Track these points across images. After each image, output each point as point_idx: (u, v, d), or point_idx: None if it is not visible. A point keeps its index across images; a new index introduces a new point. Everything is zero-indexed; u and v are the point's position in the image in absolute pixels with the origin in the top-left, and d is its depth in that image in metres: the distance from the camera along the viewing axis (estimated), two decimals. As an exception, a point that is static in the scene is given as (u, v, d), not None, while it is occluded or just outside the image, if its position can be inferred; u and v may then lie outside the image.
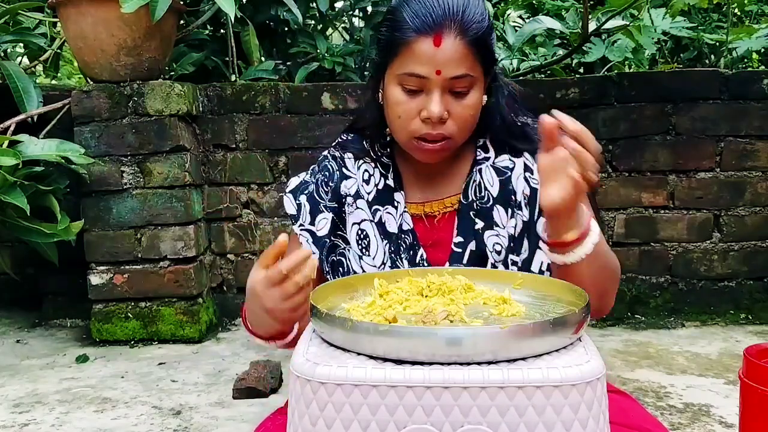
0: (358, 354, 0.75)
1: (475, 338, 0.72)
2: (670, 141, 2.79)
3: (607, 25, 2.90)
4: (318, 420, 0.72)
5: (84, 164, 2.47)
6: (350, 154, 1.21)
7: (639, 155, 2.78)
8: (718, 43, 3.33)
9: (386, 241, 1.15)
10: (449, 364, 0.72)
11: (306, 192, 1.20)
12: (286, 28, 3.30)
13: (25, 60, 3.34)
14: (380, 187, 1.17)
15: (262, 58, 3.25)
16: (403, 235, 1.15)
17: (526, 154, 1.16)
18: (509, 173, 1.15)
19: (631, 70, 3.39)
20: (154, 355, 2.55)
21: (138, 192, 2.63)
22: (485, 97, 1.12)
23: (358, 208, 1.17)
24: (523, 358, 0.73)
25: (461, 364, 0.72)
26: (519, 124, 1.17)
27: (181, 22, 2.87)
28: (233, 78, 3.04)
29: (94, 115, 2.58)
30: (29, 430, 1.95)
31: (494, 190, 1.14)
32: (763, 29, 3.11)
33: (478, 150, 1.17)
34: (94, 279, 2.64)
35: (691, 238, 2.84)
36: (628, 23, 2.91)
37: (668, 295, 2.85)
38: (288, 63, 3.18)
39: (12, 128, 2.52)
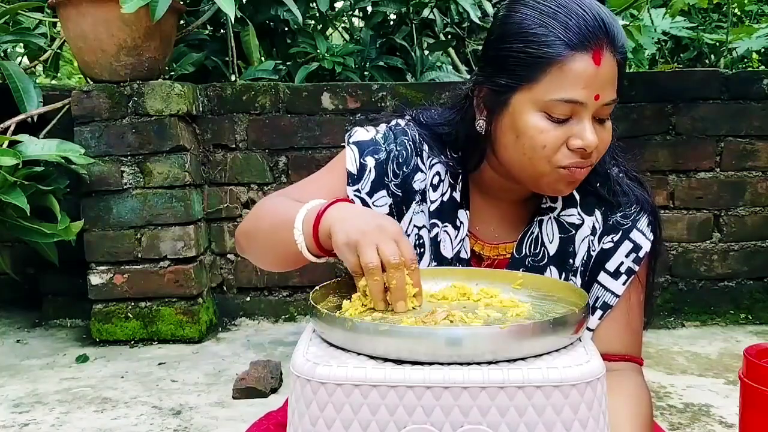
0: (358, 354, 0.75)
1: (475, 338, 0.72)
2: (670, 141, 2.79)
3: (607, 25, 2.90)
4: (318, 420, 0.72)
5: (84, 164, 2.47)
6: (426, 146, 1.04)
7: (639, 155, 2.78)
8: (718, 43, 3.33)
9: (436, 264, 1.03)
10: (449, 364, 0.72)
11: (376, 156, 1.03)
12: (286, 28, 3.30)
13: (25, 60, 3.34)
14: (445, 198, 1.03)
15: (262, 58, 3.25)
16: (458, 264, 1.03)
17: (597, 213, 1.02)
18: (573, 232, 1.02)
19: (631, 70, 3.39)
20: (154, 355, 2.55)
21: (138, 192, 2.63)
22: None
23: (420, 212, 1.04)
24: (523, 358, 0.73)
25: (461, 364, 0.72)
26: (607, 173, 1.02)
27: (181, 22, 2.87)
28: (233, 78, 3.04)
29: (94, 115, 2.58)
30: (29, 430, 1.95)
31: (552, 248, 1.02)
32: (763, 29, 3.11)
33: (545, 197, 1.03)
34: (94, 279, 2.64)
35: (691, 238, 2.84)
36: (628, 23, 2.92)
37: (668, 295, 2.85)
38: (288, 63, 3.18)
39: (12, 128, 2.52)
